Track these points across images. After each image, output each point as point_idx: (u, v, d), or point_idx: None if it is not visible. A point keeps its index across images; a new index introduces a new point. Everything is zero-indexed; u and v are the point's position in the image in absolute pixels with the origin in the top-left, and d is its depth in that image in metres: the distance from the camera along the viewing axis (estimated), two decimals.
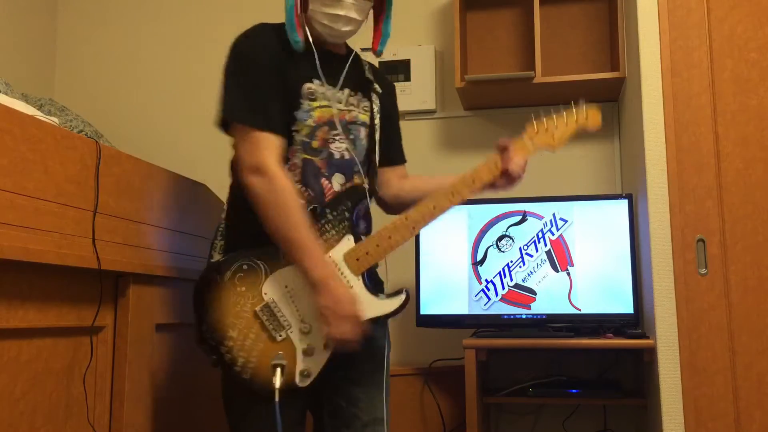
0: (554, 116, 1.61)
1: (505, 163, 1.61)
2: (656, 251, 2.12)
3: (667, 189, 2.13)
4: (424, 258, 2.46)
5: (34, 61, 3.19)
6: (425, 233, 2.47)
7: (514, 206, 2.45)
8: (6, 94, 2.19)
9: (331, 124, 1.59)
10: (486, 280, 2.42)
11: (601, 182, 2.77)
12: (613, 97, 2.76)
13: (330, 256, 1.54)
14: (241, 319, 1.50)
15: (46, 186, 1.38)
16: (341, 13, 1.57)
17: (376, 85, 1.73)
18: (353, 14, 1.59)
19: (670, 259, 2.11)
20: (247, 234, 1.55)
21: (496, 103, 2.84)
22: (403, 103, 2.85)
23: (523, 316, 2.38)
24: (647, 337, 2.20)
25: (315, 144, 1.57)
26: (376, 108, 1.70)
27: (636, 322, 2.32)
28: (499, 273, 2.42)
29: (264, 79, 1.54)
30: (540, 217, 2.42)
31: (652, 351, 2.15)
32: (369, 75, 1.73)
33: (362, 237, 1.59)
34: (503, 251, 2.43)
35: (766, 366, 2.03)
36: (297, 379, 1.50)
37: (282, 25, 1.63)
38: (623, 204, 2.38)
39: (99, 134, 2.72)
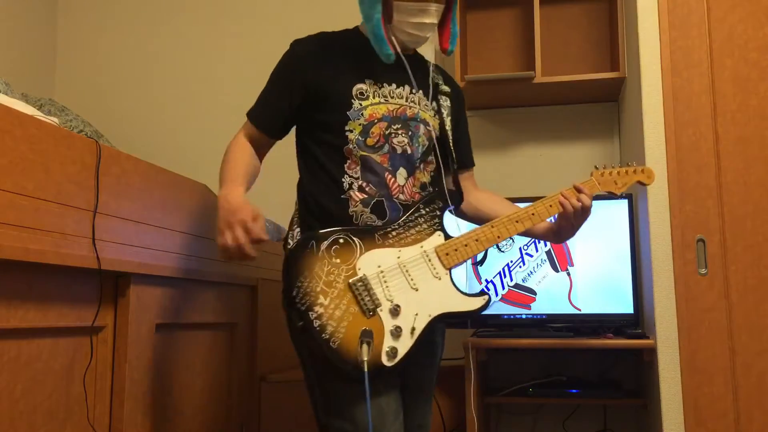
0: (615, 167, 1.74)
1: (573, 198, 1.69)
2: (656, 251, 2.12)
3: (667, 189, 2.13)
4: None
5: (34, 61, 3.19)
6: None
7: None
8: (6, 94, 2.19)
9: (389, 119, 1.64)
10: (486, 280, 2.42)
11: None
12: (613, 97, 2.76)
13: (422, 247, 1.60)
14: (333, 289, 1.52)
15: (46, 186, 1.38)
16: (427, 21, 1.63)
17: (444, 86, 1.77)
18: (435, 19, 1.65)
19: (670, 259, 2.11)
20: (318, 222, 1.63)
21: (496, 103, 2.84)
22: None
23: (523, 316, 2.38)
24: (647, 337, 2.20)
25: (370, 141, 1.62)
26: (445, 111, 1.74)
27: (636, 322, 2.32)
28: (499, 273, 2.42)
29: (279, 87, 1.68)
30: None
31: (652, 351, 2.15)
32: (436, 75, 1.76)
33: (450, 236, 1.66)
34: (503, 251, 2.43)
35: (766, 366, 2.03)
36: (384, 358, 1.50)
37: (345, 30, 1.72)
38: (623, 204, 2.38)
39: (99, 134, 2.72)
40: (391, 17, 1.63)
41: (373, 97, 1.63)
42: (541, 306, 2.38)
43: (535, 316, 2.38)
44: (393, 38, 1.65)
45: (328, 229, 1.57)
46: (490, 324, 2.43)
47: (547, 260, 2.39)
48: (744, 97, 2.14)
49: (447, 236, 1.65)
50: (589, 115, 2.81)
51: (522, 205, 2.50)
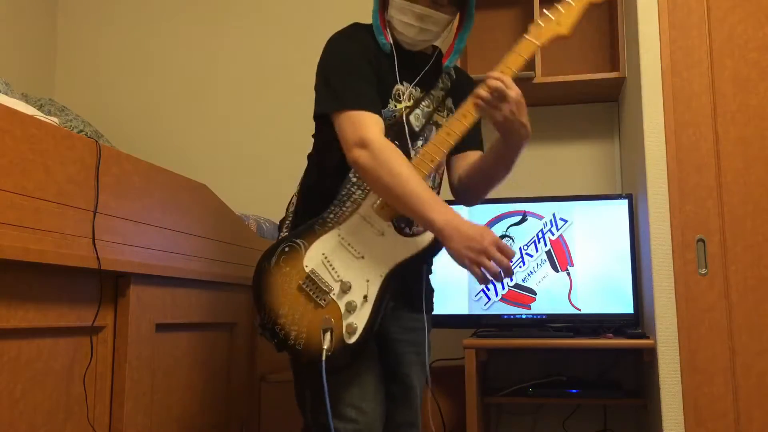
0: (556, 6, 1.50)
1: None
2: (656, 251, 2.12)
3: (667, 189, 2.13)
4: None
5: (34, 61, 3.19)
6: None
7: (514, 206, 2.45)
8: (6, 94, 2.19)
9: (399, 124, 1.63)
10: None
11: (601, 182, 2.76)
12: (613, 97, 2.76)
13: (359, 213, 1.57)
14: (288, 297, 1.55)
15: (46, 186, 1.38)
16: (415, 23, 1.61)
17: (451, 87, 1.74)
18: (429, 26, 1.62)
19: (670, 259, 2.11)
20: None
21: None
22: None
23: (523, 316, 2.38)
24: (647, 337, 2.20)
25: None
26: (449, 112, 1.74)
27: (636, 322, 2.32)
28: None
29: (361, 68, 1.58)
30: (540, 217, 2.42)
31: (652, 351, 2.15)
32: (445, 79, 1.74)
33: None
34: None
35: (766, 366, 2.03)
36: (345, 337, 1.51)
37: (371, 26, 1.68)
38: (623, 204, 2.38)
39: (99, 134, 2.72)
40: (387, 9, 1.65)
41: (407, 100, 1.64)
42: (541, 306, 2.38)
43: (535, 316, 2.38)
44: (391, 33, 1.65)
45: (274, 242, 1.59)
46: (490, 324, 2.43)
47: (547, 260, 2.39)
48: (744, 97, 2.14)
49: None
50: (589, 115, 2.81)
51: (522, 206, 2.48)
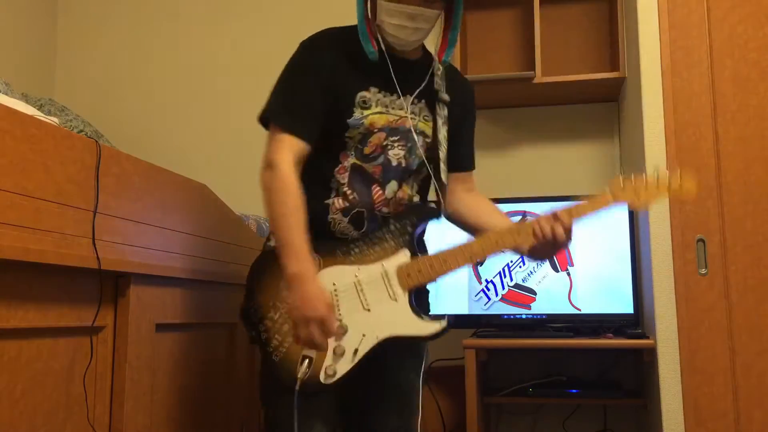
0: (645, 175, 1.51)
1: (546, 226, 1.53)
2: (656, 251, 2.12)
3: None
4: None
5: (34, 61, 3.19)
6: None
7: (514, 206, 2.45)
8: (6, 94, 2.19)
9: (388, 130, 1.60)
10: (486, 280, 2.42)
11: (601, 182, 2.76)
12: (613, 97, 2.76)
13: (383, 266, 1.55)
14: (284, 304, 1.53)
15: (46, 186, 1.38)
16: (409, 25, 1.56)
17: (445, 94, 1.68)
18: (421, 24, 1.58)
19: (670, 259, 2.11)
20: None
21: (496, 103, 2.84)
22: None
23: (523, 316, 2.38)
24: (647, 337, 2.20)
25: (367, 150, 1.59)
26: (441, 120, 1.67)
27: (636, 322, 2.32)
28: (499, 273, 2.42)
29: (309, 85, 1.58)
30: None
31: (652, 351, 2.15)
32: (440, 80, 1.68)
33: (419, 254, 1.58)
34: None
35: (766, 366, 2.03)
36: (321, 377, 1.51)
37: (352, 27, 1.63)
38: (623, 204, 2.38)
39: (99, 134, 2.72)
40: (376, 15, 1.59)
41: (375, 106, 1.59)
42: (541, 306, 2.38)
43: (535, 316, 2.38)
44: (381, 38, 1.60)
45: None
46: (490, 324, 2.43)
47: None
48: (744, 97, 2.14)
49: (416, 254, 1.57)
50: (589, 115, 2.81)
51: (522, 206, 2.49)
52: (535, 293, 2.39)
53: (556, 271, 2.39)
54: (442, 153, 1.67)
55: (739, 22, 2.17)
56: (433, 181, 1.70)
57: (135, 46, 3.28)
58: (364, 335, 1.52)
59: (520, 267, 2.41)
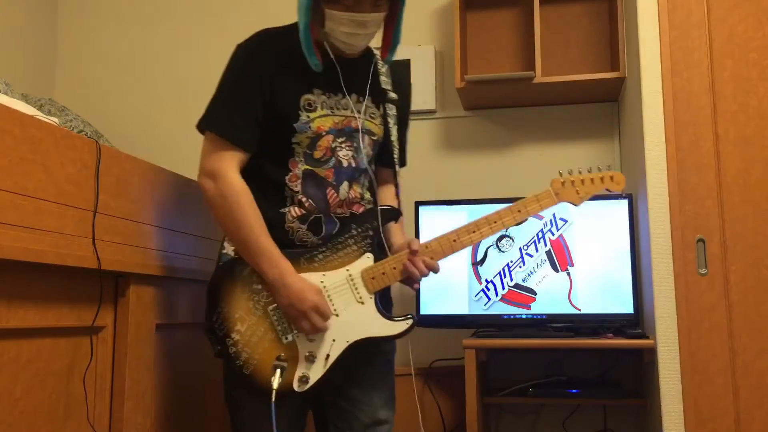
0: (580, 174, 1.67)
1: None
2: (656, 251, 2.12)
3: (667, 189, 2.13)
4: None
5: (34, 61, 3.19)
6: (425, 233, 2.47)
7: None
8: (6, 94, 2.19)
9: (335, 132, 1.59)
10: (486, 280, 2.42)
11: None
12: (613, 97, 2.76)
13: (348, 271, 1.56)
14: (251, 316, 1.53)
15: (46, 186, 1.38)
16: (361, 32, 1.56)
17: (392, 93, 1.70)
18: (372, 29, 1.58)
19: (670, 259, 2.11)
20: None
21: (496, 103, 2.84)
22: None
23: (523, 316, 2.38)
24: (647, 337, 2.20)
25: (317, 154, 1.58)
26: (392, 121, 1.68)
27: (636, 322, 2.32)
28: (499, 273, 2.42)
29: (248, 93, 1.56)
30: (540, 217, 2.42)
31: (652, 351, 2.15)
32: (386, 78, 1.69)
33: (381, 257, 1.60)
34: (503, 251, 2.43)
35: (766, 366, 2.03)
36: (295, 384, 1.51)
37: (290, 27, 1.61)
38: (623, 204, 2.38)
39: (99, 134, 2.72)
40: (324, 23, 1.55)
41: (321, 109, 1.58)
42: (541, 306, 2.38)
43: (535, 316, 2.38)
44: (328, 44, 1.58)
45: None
46: (490, 324, 2.43)
47: (547, 260, 2.39)
48: (744, 97, 2.14)
49: (378, 258, 1.59)
50: (589, 115, 2.81)
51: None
52: (535, 293, 2.39)
53: (556, 271, 2.39)
54: (396, 151, 1.69)
55: (739, 22, 2.17)
56: (394, 173, 1.71)
57: (135, 46, 3.28)
58: (334, 340, 1.53)
59: (520, 267, 2.41)
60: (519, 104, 2.84)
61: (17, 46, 3.08)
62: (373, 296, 1.57)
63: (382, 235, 1.62)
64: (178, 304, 1.86)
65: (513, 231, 2.43)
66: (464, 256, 2.44)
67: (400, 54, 2.90)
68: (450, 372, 2.52)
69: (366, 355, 1.60)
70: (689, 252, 2.11)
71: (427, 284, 2.44)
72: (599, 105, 2.80)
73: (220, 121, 1.57)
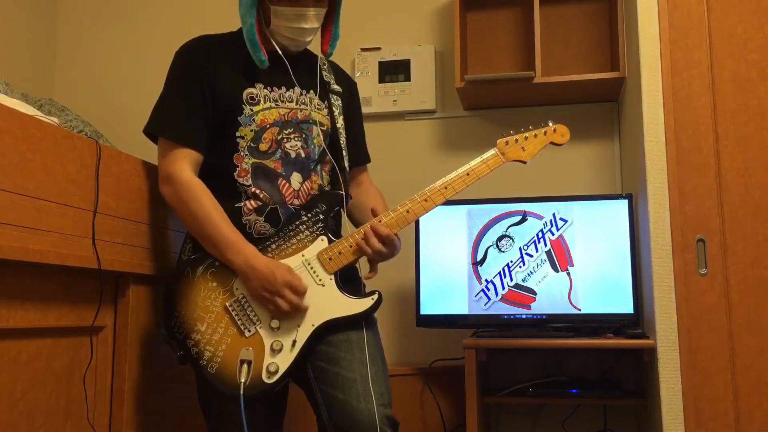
0: (523, 132, 1.70)
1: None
2: (656, 251, 2.12)
3: (667, 189, 2.13)
4: (424, 258, 2.46)
5: (34, 61, 3.19)
6: (425, 233, 2.47)
7: (514, 206, 2.45)
8: (6, 94, 2.19)
9: (281, 124, 1.61)
10: (486, 280, 2.42)
11: (601, 182, 2.77)
12: (613, 97, 2.76)
13: (303, 256, 1.56)
14: (210, 313, 1.52)
15: (46, 186, 1.38)
16: (306, 26, 1.60)
17: (336, 86, 1.73)
18: (315, 23, 1.62)
19: (670, 259, 2.11)
20: None
21: (496, 103, 2.84)
22: (403, 103, 2.85)
23: (523, 316, 2.38)
24: (647, 337, 2.20)
25: (263, 147, 1.60)
26: (337, 111, 1.71)
27: (636, 322, 2.32)
28: (499, 273, 2.42)
29: (188, 94, 1.60)
30: (540, 217, 2.42)
31: (652, 351, 2.15)
32: (327, 74, 1.73)
33: (335, 238, 1.61)
34: (503, 251, 2.43)
35: (766, 366, 2.03)
36: (264, 376, 1.50)
37: (229, 33, 1.68)
38: (623, 204, 2.38)
39: (99, 134, 2.72)
40: (269, 21, 1.61)
41: (264, 102, 1.60)
42: (541, 306, 2.38)
43: (535, 316, 2.38)
44: (273, 41, 1.63)
45: (204, 253, 1.56)
46: (490, 324, 2.43)
47: (547, 260, 2.39)
48: (744, 97, 2.14)
49: (332, 240, 1.59)
50: (589, 115, 2.81)
51: (522, 206, 2.50)
52: (535, 293, 2.39)
53: (556, 271, 2.39)
54: (342, 140, 1.70)
55: (739, 22, 2.17)
56: (342, 165, 1.71)
57: (135, 47, 3.28)
58: (299, 326, 1.52)
59: (520, 267, 2.41)
60: (519, 104, 2.84)
61: (17, 46, 3.08)
62: (333, 277, 1.56)
63: (341, 215, 1.64)
64: None
65: (513, 231, 2.43)
66: (464, 256, 2.44)
67: (400, 54, 2.92)
68: (450, 372, 2.52)
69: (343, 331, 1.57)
70: (689, 252, 2.11)
71: (427, 284, 2.44)
72: (599, 105, 2.80)
73: (164, 124, 1.60)
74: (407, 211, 1.60)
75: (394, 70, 2.90)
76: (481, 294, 2.42)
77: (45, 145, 1.39)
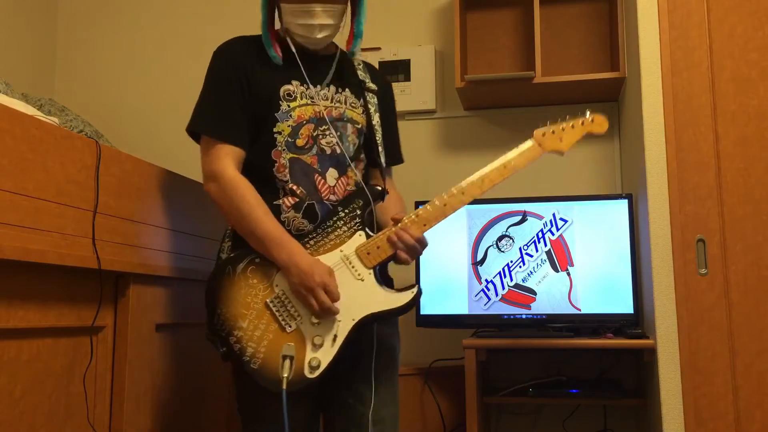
0: (560, 122, 1.66)
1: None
2: (656, 251, 2.12)
3: (667, 189, 2.13)
4: (425, 258, 2.46)
5: (34, 61, 3.19)
6: (425, 233, 2.46)
7: (514, 206, 2.45)
8: (6, 94, 2.19)
9: (316, 120, 1.63)
10: (486, 280, 2.42)
11: (601, 182, 2.77)
12: (613, 97, 2.76)
13: (341, 251, 1.57)
14: (251, 310, 1.53)
15: (46, 186, 1.38)
16: (314, 22, 1.61)
17: (371, 84, 1.74)
18: (326, 20, 1.62)
19: (670, 259, 2.11)
20: None
21: (496, 103, 2.84)
22: (403, 103, 2.85)
23: (523, 316, 2.38)
24: (647, 337, 2.20)
25: (300, 142, 1.61)
26: (372, 108, 1.72)
27: (636, 322, 2.32)
28: (499, 273, 2.42)
29: (229, 92, 1.62)
30: (540, 217, 2.42)
31: (652, 351, 2.15)
32: (363, 73, 1.74)
33: (372, 233, 1.61)
34: (503, 251, 2.43)
35: (766, 366, 2.03)
36: (306, 371, 1.51)
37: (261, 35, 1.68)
38: (623, 204, 2.38)
39: (99, 134, 2.72)
40: (282, 19, 1.64)
41: (301, 98, 1.62)
42: (541, 306, 2.38)
43: (535, 316, 2.38)
44: (289, 39, 1.65)
45: (244, 250, 1.57)
46: (490, 324, 2.43)
47: (547, 260, 2.39)
48: (744, 97, 2.14)
49: (369, 235, 1.60)
50: None
51: (522, 206, 2.49)
52: (535, 293, 2.39)
53: (556, 271, 2.39)
54: (378, 137, 1.71)
55: (739, 22, 2.17)
56: (378, 163, 1.72)
57: (135, 47, 3.28)
58: (339, 321, 1.53)
59: (520, 267, 2.41)
60: (519, 104, 2.84)
61: (17, 46, 3.08)
62: (371, 271, 1.57)
63: (374, 212, 1.64)
64: (178, 304, 1.86)
65: (513, 231, 2.43)
66: (464, 256, 2.44)
67: (400, 54, 2.92)
68: (450, 372, 2.52)
69: (372, 349, 1.60)
70: (689, 252, 2.11)
71: (427, 284, 2.44)
72: (599, 105, 2.80)
73: (205, 122, 1.62)
74: (444, 205, 1.60)
75: (394, 70, 2.90)
76: (481, 294, 2.42)
77: (45, 145, 1.39)
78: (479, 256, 2.44)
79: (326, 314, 1.51)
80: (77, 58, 3.32)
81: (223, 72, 1.63)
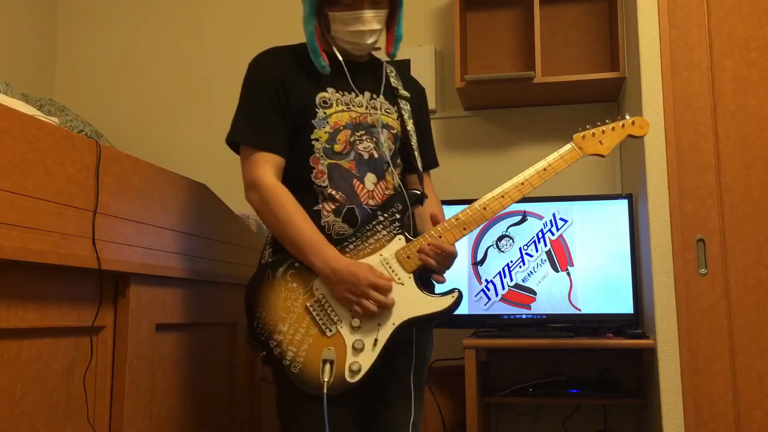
0: (600, 125, 1.65)
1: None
2: (656, 251, 2.12)
3: (667, 189, 2.13)
4: None
5: (34, 61, 3.19)
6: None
7: (514, 206, 2.44)
8: (6, 94, 2.19)
9: (353, 126, 1.63)
10: (486, 280, 2.42)
11: (601, 182, 2.77)
12: (613, 97, 2.76)
13: (381, 255, 1.57)
14: (291, 314, 1.53)
15: (46, 186, 1.38)
16: (364, 28, 1.62)
17: (404, 91, 1.75)
18: (375, 25, 1.64)
19: (670, 259, 2.11)
20: None
21: (496, 103, 2.84)
22: None
23: (523, 316, 2.38)
24: (647, 337, 2.20)
25: (338, 147, 1.61)
26: (406, 114, 1.73)
27: (636, 322, 2.32)
28: (499, 273, 2.42)
29: (266, 101, 1.62)
30: (540, 217, 2.42)
31: (652, 351, 2.15)
32: (395, 80, 1.76)
33: (412, 237, 1.61)
34: (503, 251, 2.43)
35: (766, 366, 2.03)
36: (347, 375, 1.50)
37: (298, 45, 1.69)
38: (623, 204, 2.38)
39: (99, 134, 2.72)
40: (330, 28, 1.63)
41: (337, 105, 1.63)
42: (541, 306, 2.38)
43: (535, 316, 2.38)
44: (335, 47, 1.66)
45: (284, 255, 1.57)
46: (490, 324, 2.43)
47: (547, 260, 2.39)
48: (744, 97, 2.14)
49: (409, 239, 1.60)
50: (589, 115, 2.81)
51: (522, 206, 2.49)
52: (535, 293, 2.39)
53: (556, 271, 2.39)
54: (414, 142, 1.72)
55: (739, 22, 2.17)
56: (415, 167, 1.72)
57: (135, 47, 3.28)
58: (380, 325, 1.53)
59: (520, 267, 2.41)
60: (519, 104, 2.84)
61: (17, 46, 3.08)
62: (411, 275, 1.56)
63: (413, 216, 1.63)
64: (178, 304, 1.86)
65: (513, 231, 2.43)
66: (464, 256, 2.44)
67: (400, 54, 2.92)
68: (450, 372, 2.52)
69: (411, 360, 1.61)
70: (689, 252, 2.11)
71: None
72: (599, 105, 2.80)
73: (243, 131, 1.63)
74: (484, 208, 1.60)
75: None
76: (481, 294, 2.42)
77: (45, 145, 1.39)
78: (479, 256, 2.44)
79: (383, 307, 1.51)
80: (77, 58, 3.32)
81: (260, 82, 1.64)
